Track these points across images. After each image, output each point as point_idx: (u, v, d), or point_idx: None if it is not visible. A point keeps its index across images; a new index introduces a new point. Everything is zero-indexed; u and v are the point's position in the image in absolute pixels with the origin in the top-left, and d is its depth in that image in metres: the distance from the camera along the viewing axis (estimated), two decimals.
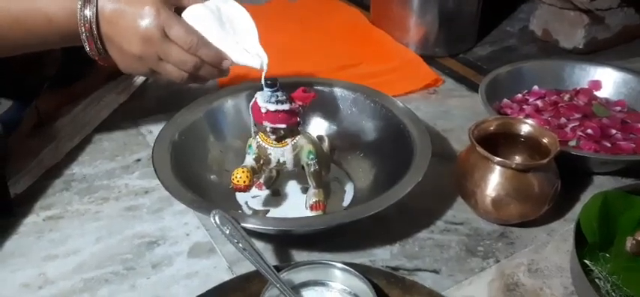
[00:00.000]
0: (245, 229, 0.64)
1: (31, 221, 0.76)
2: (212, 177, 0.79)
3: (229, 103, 0.84)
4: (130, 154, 0.87)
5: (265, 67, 0.72)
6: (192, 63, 0.72)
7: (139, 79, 0.98)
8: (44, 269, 0.69)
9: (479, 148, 0.72)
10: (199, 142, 0.80)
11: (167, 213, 0.77)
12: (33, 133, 0.85)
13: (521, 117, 0.87)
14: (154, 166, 0.73)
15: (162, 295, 0.67)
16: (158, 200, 0.78)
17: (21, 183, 0.79)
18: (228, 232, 0.64)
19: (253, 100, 0.71)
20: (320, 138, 0.82)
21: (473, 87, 1.03)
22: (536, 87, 0.96)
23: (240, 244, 0.63)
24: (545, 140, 0.74)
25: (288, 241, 0.72)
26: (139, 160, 0.85)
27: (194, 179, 0.75)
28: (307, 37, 1.16)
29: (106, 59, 0.74)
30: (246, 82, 0.88)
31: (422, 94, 1.02)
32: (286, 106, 0.70)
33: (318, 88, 0.85)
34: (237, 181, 0.71)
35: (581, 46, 1.14)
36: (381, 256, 0.72)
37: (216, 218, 0.64)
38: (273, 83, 0.70)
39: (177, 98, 0.85)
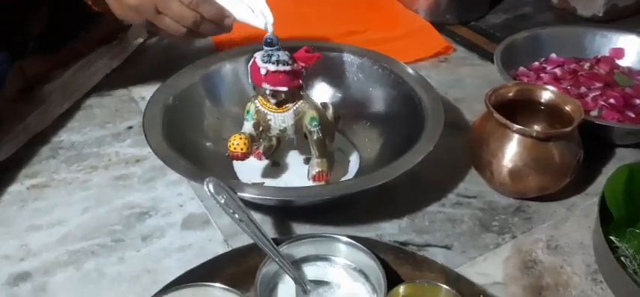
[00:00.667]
0: (242, 199, 0.60)
1: (15, 190, 0.71)
2: (208, 145, 0.73)
3: (228, 68, 0.79)
4: (121, 121, 0.81)
5: (270, 28, 0.67)
6: (192, 18, 0.68)
7: (134, 44, 0.93)
8: (27, 240, 0.65)
9: (496, 115, 0.67)
10: (195, 107, 0.75)
11: (160, 183, 0.72)
12: (20, 98, 0.80)
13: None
14: (144, 132, 0.68)
15: (152, 268, 0.62)
16: (150, 169, 0.73)
17: (5, 150, 0.74)
18: (223, 201, 0.59)
19: (252, 59, 0.66)
20: (324, 105, 0.76)
21: (485, 55, 0.97)
22: (554, 55, 0.90)
23: (237, 215, 0.58)
24: (568, 108, 0.69)
25: (289, 213, 0.67)
26: (130, 127, 0.80)
27: (189, 147, 0.70)
28: (313, 2, 1.10)
29: (101, 5, 0.69)
30: (247, 46, 0.82)
31: (432, 62, 0.97)
32: (288, 67, 0.65)
33: (323, 52, 0.80)
34: (234, 149, 0.66)
35: (600, 14, 1.08)
36: (389, 230, 0.67)
37: (210, 186, 0.59)
38: (273, 41, 0.65)
39: (174, 63, 0.79)
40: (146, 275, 0.61)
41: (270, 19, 0.67)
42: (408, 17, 1.06)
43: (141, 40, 0.94)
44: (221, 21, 0.69)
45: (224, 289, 0.53)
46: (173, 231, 0.66)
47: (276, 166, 0.74)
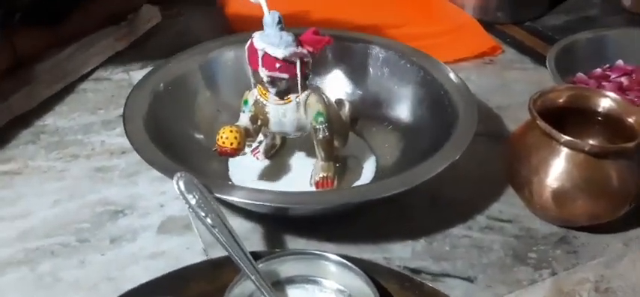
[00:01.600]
0: (221, 202, 0.50)
1: None
2: (200, 138, 0.64)
3: (231, 54, 0.69)
4: (114, 108, 0.73)
5: None
6: None
7: (144, 27, 0.85)
8: None
9: (541, 123, 0.54)
10: (189, 96, 0.66)
11: (142, 178, 0.63)
12: (7, 76, 0.73)
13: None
14: (123, 118, 0.59)
15: (114, 276, 0.53)
16: (135, 163, 0.64)
17: None
18: (194, 202, 0.49)
19: (250, 40, 0.56)
20: (339, 102, 0.66)
21: (539, 60, 0.84)
22: (620, 61, 0.77)
23: (209, 219, 0.49)
24: (631, 119, 0.56)
25: (284, 225, 0.57)
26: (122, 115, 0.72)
27: (178, 140, 0.61)
28: None
29: None
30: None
31: (475, 63, 0.84)
32: (290, 50, 0.55)
33: (341, 41, 0.70)
34: (223, 143, 0.56)
35: None
36: (400, 253, 0.55)
37: (181, 183, 0.49)
38: (274, 19, 0.55)
39: (185, 49, 0.71)
40: (106, 284, 0.52)
41: None
42: (451, 12, 0.94)
43: (153, 22, 0.87)
44: None
45: None
46: (147, 234, 0.57)
47: (276, 167, 0.63)
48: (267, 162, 0.64)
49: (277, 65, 0.55)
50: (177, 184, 0.49)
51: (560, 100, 0.59)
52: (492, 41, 0.88)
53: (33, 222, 0.58)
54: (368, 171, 0.63)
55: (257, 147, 0.64)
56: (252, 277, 0.46)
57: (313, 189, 0.59)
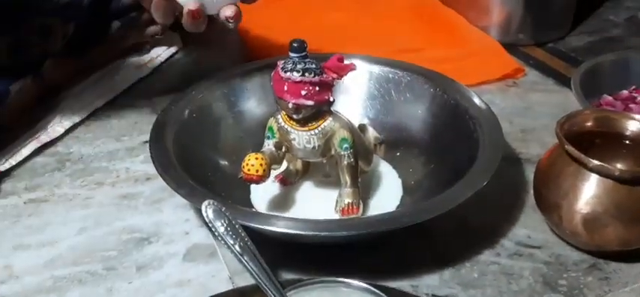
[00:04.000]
0: (247, 230, 0.50)
1: (11, 203, 0.64)
2: (225, 165, 0.64)
3: (255, 80, 0.69)
4: (138, 134, 0.73)
5: None
6: None
7: (163, 55, 0.86)
8: (11, 260, 0.57)
9: (569, 148, 0.54)
10: (213, 123, 0.66)
11: (167, 205, 0.63)
12: (34, 105, 0.74)
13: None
14: (149, 145, 0.59)
15: None
16: (159, 190, 0.64)
17: (10, 159, 0.67)
18: (222, 230, 0.49)
19: (275, 68, 0.56)
20: (362, 128, 0.66)
21: (563, 82, 0.84)
22: None
23: (237, 247, 0.48)
24: None
25: (309, 252, 0.56)
26: (146, 141, 0.72)
27: (202, 166, 0.61)
28: (365, 16, 0.99)
29: None
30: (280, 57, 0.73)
31: (498, 86, 0.84)
32: (315, 78, 0.55)
33: (364, 65, 0.70)
34: (249, 170, 0.56)
35: None
36: (428, 280, 0.54)
37: (209, 211, 0.49)
38: (299, 46, 0.55)
39: (205, 75, 0.71)
40: None
41: None
42: (473, 35, 0.94)
43: (173, 49, 0.87)
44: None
45: None
46: (173, 262, 0.57)
47: (300, 194, 0.63)
48: (290, 188, 0.64)
49: (302, 92, 0.55)
50: (206, 212, 0.49)
51: (588, 124, 0.59)
52: (515, 63, 0.87)
53: (60, 250, 0.58)
54: (394, 196, 0.63)
55: (281, 173, 0.63)
56: None
57: (338, 214, 0.58)
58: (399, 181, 0.65)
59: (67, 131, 0.73)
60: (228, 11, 0.62)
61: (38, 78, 0.74)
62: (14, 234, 0.60)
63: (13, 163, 0.67)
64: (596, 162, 0.52)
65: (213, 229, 0.49)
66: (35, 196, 0.65)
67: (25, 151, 0.69)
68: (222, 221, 0.49)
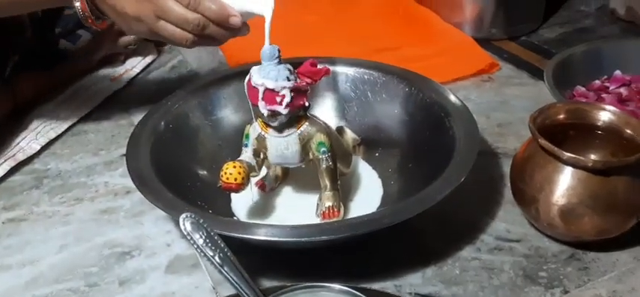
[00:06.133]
0: (226, 239, 0.50)
1: None
2: (203, 174, 0.64)
3: (231, 88, 0.69)
4: (116, 147, 0.73)
5: (268, 15, 0.58)
6: (195, 21, 0.61)
7: (140, 65, 0.85)
8: None
9: (542, 141, 0.54)
10: (190, 132, 0.66)
11: (148, 218, 0.63)
12: (8, 122, 0.73)
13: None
14: (126, 158, 0.59)
15: None
16: (139, 202, 0.64)
17: None
18: (201, 242, 0.49)
19: (248, 75, 0.56)
20: (340, 130, 0.67)
21: (537, 74, 0.85)
22: (618, 72, 0.77)
23: (217, 258, 0.48)
24: (631, 132, 0.56)
25: (291, 258, 0.57)
26: (124, 154, 0.72)
27: (180, 177, 0.61)
28: (340, 18, 1.00)
29: (100, 23, 0.66)
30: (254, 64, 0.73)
31: (473, 81, 0.85)
32: (288, 83, 0.55)
33: (339, 67, 0.70)
34: (227, 179, 0.56)
35: None
36: (411, 279, 0.55)
37: (187, 224, 0.49)
38: (272, 53, 0.55)
39: (183, 86, 0.71)
40: None
41: (270, 4, 0.58)
42: (446, 32, 0.94)
43: (149, 60, 0.87)
44: (226, 20, 0.61)
45: None
46: (156, 275, 0.57)
47: (280, 200, 0.63)
48: (270, 194, 0.64)
49: (277, 99, 0.55)
50: (184, 225, 0.49)
51: (560, 116, 0.60)
52: (489, 58, 0.88)
53: (40, 268, 0.58)
54: (375, 195, 0.63)
55: (261, 180, 0.63)
56: None
57: (320, 219, 0.59)
58: (379, 181, 0.65)
59: (44, 148, 0.73)
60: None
61: (8, 92, 0.73)
62: None
63: None
64: (569, 154, 0.53)
65: (191, 242, 0.49)
66: (14, 216, 0.64)
67: (1, 170, 0.68)
68: (201, 233, 0.49)
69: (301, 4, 1.02)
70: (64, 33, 0.83)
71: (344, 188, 0.61)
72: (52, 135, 0.73)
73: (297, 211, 0.61)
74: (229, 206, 0.62)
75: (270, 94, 0.55)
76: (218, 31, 0.62)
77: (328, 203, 0.59)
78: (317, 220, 0.58)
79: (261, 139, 0.58)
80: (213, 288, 0.55)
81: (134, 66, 0.85)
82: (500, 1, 0.94)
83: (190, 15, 0.61)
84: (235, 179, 0.56)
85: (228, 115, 0.69)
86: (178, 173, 0.62)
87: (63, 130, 0.75)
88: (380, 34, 0.95)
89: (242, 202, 0.62)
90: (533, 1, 0.98)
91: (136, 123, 0.76)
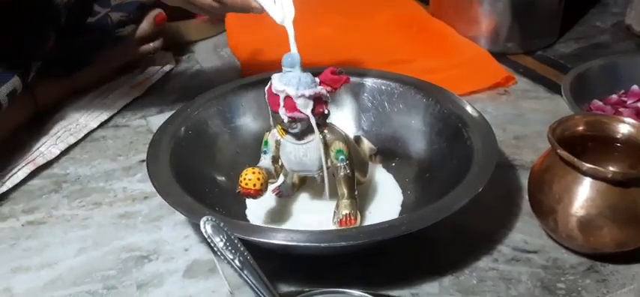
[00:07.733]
0: (245, 243, 0.50)
1: (9, 226, 0.64)
2: (222, 180, 0.64)
3: (250, 95, 0.70)
4: (134, 153, 0.74)
5: (289, 25, 0.58)
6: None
7: (159, 72, 0.86)
8: (11, 283, 0.57)
9: (561, 152, 0.54)
10: (209, 139, 0.67)
11: (166, 223, 0.63)
12: (29, 126, 0.74)
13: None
14: (147, 163, 0.60)
15: None
16: (157, 207, 0.65)
17: (7, 182, 0.67)
18: (221, 245, 0.49)
19: (269, 82, 0.57)
20: (357, 139, 0.67)
21: (553, 88, 0.85)
22: (635, 86, 0.77)
23: (237, 262, 0.49)
24: None
25: (308, 264, 0.57)
26: (143, 160, 0.72)
27: (200, 183, 0.61)
28: (354, 31, 1.00)
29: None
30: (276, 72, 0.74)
31: (489, 94, 0.85)
32: (309, 91, 0.55)
33: (357, 78, 0.70)
34: (246, 185, 0.56)
35: None
36: (428, 289, 0.55)
37: (208, 227, 0.50)
38: (294, 60, 0.56)
39: (200, 93, 0.72)
40: None
41: (291, 14, 0.58)
42: (462, 45, 0.95)
43: (167, 68, 0.88)
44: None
45: None
46: (173, 279, 0.57)
47: (297, 207, 0.63)
48: (286, 200, 0.64)
49: (298, 106, 0.55)
50: (205, 228, 0.49)
51: (579, 128, 0.60)
52: (505, 72, 0.88)
53: (60, 271, 0.58)
54: (395, 203, 0.63)
55: (278, 187, 0.64)
56: None
57: (337, 226, 0.59)
58: (398, 187, 0.65)
59: (63, 153, 0.74)
60: None
61: (30, 97, 0.74)
62: (13, 257, 0.60)
63: (10, 185, 0.68)
64: (589, 165, 0.53)
65: (212, 245, 0.49)
66: (33, 218, 0.65)
67: (21, 173, 0.69)
68: (221, 236, 0.50)
69: (314, 17, 1.03)
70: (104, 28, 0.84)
71: (363, 196, 0.61)
72: (72, 140, 0.74)
73: (313, 218, 0.61)
74: (245, 213, 0.63)
75: (291, 101, 0.55)
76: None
77: (345, 211, 0.59)
78: (334, 227, 0.59)
79: (280, 146, 0.58)
80: (231, 293, 0.55)
81: (153, 74, 0.86)
82: (516, 16, 0.94)
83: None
84: (254, 185, 0.56)
85: (247, 123, 0.70)
86: (197, 179, 0.62)
87: (82, 135, 0.75)
88: (394, 47, 0.95)
89: (257, 208, 0.62)
90: (549, 16, 0.98)
91: (154, 130, 0.78)
